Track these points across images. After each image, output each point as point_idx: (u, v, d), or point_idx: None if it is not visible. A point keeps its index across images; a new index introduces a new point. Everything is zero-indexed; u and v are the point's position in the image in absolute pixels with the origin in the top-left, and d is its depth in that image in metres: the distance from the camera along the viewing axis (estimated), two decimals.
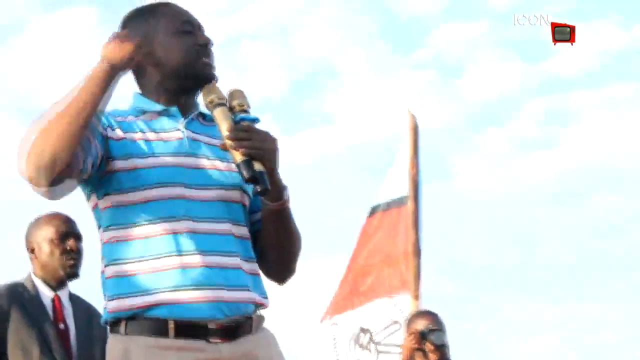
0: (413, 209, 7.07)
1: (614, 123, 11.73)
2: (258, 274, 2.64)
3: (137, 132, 2.60)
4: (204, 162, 2.61)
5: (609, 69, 11.77)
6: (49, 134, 2.38)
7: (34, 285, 4.49)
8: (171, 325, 2.49)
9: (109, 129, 2.57)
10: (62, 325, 4.47)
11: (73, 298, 4.58)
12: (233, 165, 2.56)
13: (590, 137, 11.73)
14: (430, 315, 5.49)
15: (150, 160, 2.55)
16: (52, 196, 2.45)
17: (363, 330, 6.96)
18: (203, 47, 2.66)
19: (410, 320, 5.57)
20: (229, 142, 2.51)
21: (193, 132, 2.65)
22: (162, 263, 2.50)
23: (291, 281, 2.74)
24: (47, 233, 4.48)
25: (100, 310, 2.63)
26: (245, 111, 2.58)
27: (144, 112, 2.65)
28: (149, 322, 2.50)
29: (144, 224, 2.53)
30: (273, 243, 2.66)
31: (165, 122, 2.64)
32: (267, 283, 2.69)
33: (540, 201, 11.78)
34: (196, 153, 2.61)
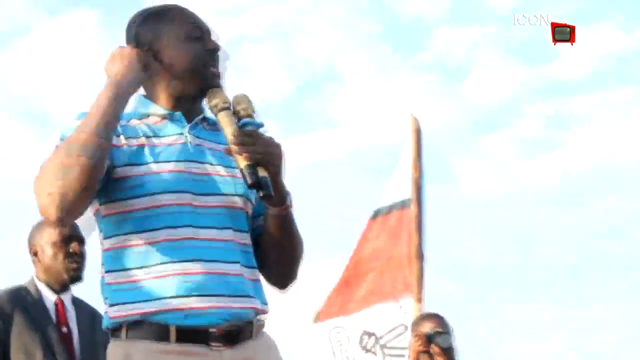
0: (416, 212, 7.07)
1: (617, 126, 11.73)
2: (259, 282, 2.64)
3: (140, 137, 2.59)
4: (208, 169, 2.59)
5: (611, 72, 11.77)
6: (65, 175, 2.38)
7: (37, 289, 4.49)
8: (172, 330, 2.48)
9: (113, 138, 2.54)
10: (65, 329, 4.47)
11: (76, 301, 4.58)
12: (237, 172, 2.55)
13: (593, 139, 11.73)
14: (436, 317, 5.47)
15: (154, 167, 2.54)
16: (64, 224, 2.48)
17: (367, 334, 6.95)
18: (211, 54, 2.65)
19: (417, 323, 5.55)
20: (233, 147, 2.50)
21: (197, 137, 2.63)
22: (164, 271, 2.49)
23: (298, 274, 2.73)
24: (50, 236, 4.48)
25: (102, 313, 2.63)
26: (250, 116, 2.57)
27: (147, 115, 2.64)
28: (151, 327, 2.49)
29: (147, 232, 2.51)
30: (275, 248, 2.65)
31: (169, 126, 2.63)
32: (268, 287, 2.70)
33: (543, 203, 11.78)
34: (200, 159, 2.59)
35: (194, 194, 2.54)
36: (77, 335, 4.49)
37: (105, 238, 2.57)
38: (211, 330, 2.50)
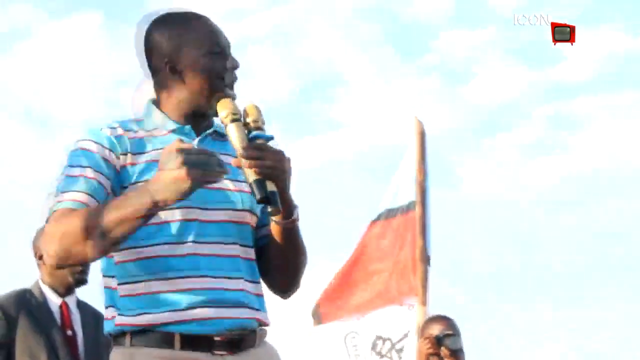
0: (420, 215, 7.06)
1: (619, 128, 11.73)
2: (262, 297, 2.65)
3: (149, 151, 2.57)
4: (216, 183, 2.60)
5: (614, 75, 11.78)
6: (79, 246, 2.40)
7: (42, 292, 4.50)
8: (177, 337, 2.49)
9: (121, 157, 2.54)
10: (69, 332, 4.48)
11: (80, 304, 4.59)
12: (244, 186, 2.55)
13: (595, 141, 11.73)
14: (445, 320, 5.46)
15: None
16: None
17: (381, 339, 6.93)
18: (230, 72, 2.62)
19: (425, 325, 5.54)
20: (242, 161, 2.48)
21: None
22: (170, 284, 2.50)
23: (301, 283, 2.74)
24: None
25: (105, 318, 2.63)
26: (260, 128, 2.54)
27: (156, 128, 2.62)
28: (155, 335, 2.50)
29: (153, 245, 2.52)
30: (279, 259, 2.66)
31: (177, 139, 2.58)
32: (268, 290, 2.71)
33: (545, 205, 11.79)
34: None
35: (201, 208, 2.54)
36: (81, 338, 4.50)
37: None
38: (215, 337, 2.51)
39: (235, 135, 2.51)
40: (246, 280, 2.58)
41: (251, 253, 2.63)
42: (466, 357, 5.38)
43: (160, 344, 2.50)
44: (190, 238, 2.52)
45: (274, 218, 2.58)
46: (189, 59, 2.59)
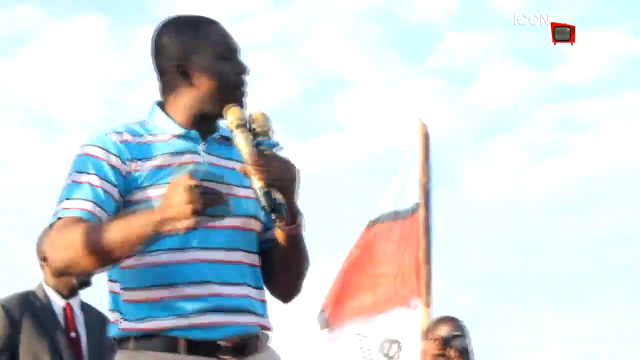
0: (424, 216, 7.06)
1: (624, 130, 11.72)
2: (266, 303, 2.65)
3: (155, 156, 2.55)
4: (223, 189, 2.57)
5: (619, 76, 11.76)
6: (83, 259, 2.42)
7: (46, 294, 4.51)
8: (182, 342, 2.50)
9: (128, 163, 2.53)
10: (73, 334, 4.49)
11: (84, 306, 4.59)
12: (250, 192, 2.53)
13: (600, 144, 11.72)
14: (453, 320, 5.45)
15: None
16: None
17: (389, 341, 6.92)
18: (240, 77, 2.62)
19: (433, 326, 5.53)
20: (249, 169, 2.47)
21: (211, 155, 2.59)
22: (174, 291, 2.50)
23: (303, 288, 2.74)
24: None
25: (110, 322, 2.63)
26: (267, 135, 2.53)
27: (161, 131, 2.61)
28: (160, 339, 2.51)
29: (158, 252, 2.51)
30: (282, 264, 2.66)
31: (183, 145, 2.59)
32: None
33: (548, 208, 11.78)
34: (214, 179, 2.54)
35: (207, 215, 2.54)
36: (85, 340, 4.50)
37: None
38: (221, 343, 2.51)
39: (242, 143, 2.50)
40: (250, 287, 2.58)
41: (255, 259, 2.63)
42: None
43: (165, 349, 2.50)
44: (195, 245, 2.52)
45: (278, 225, 2.58)
46: (200, 62, 2.58)
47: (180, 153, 2.57)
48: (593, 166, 11.70)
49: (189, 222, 2.32)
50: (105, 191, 2.50)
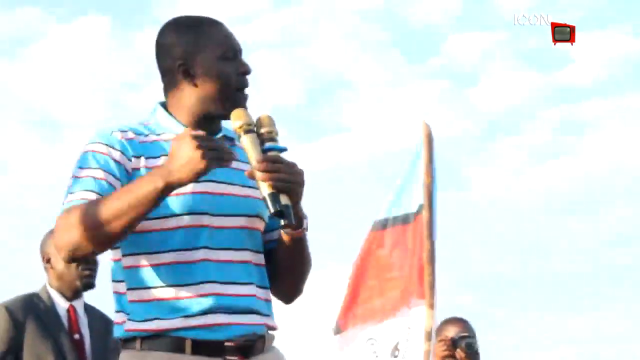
0: (427, 218, 7.06)
1: (628, 132, 11.71)
2: (271, 302, 2.66)
3: (160, 156, 2.55)
4: (227, 189, 2.57)
5: (622, 77, 11.75)
6: (88, 233, 2.41)
7: (49, 296, 4.51)
8: (188, 342, 2.50)
9: (133, 160, 2.54)
10: (77, 336, 4.49)
11: (88, 308, 4.59)
12: (254, 192, 2.54)
13: (604, 145, 11.71)
14: (461, 322, 5.44)
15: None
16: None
17: (398, 344, 6.91)
18: (243, 77, 2.62)
19: (441, 327, 5.52)
20: (257, 173, 2.47)
21: None
22: (180, 290, 2.51)
23: (305, 289, 2.75)
24: None
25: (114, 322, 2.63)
26: (274, 139, 2.53)
27: (165, 131, 2.61)
28: (166, 340, 2.51)
29: (164, 252, 2.52)
30: (285, 266, 2.67)
31: None
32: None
33: (553, 210, 11.76)
34: (218, 179, 2.56)
35: (212, 214, 2.53)
36: (89, 342, 4.51)
37: (124, 255, 2.56)
38: (227, 343, 2.51)
39: (249, 147, 2.50)
40: (257, 286, 2.59)
41: (261, 259, 2.63)
42: None
43: (171, 349, 2.50)
44: (202, 245, 2.52)
45: (285, 230, 2.58)
46: (204, 63, 2.59)
47: None
48: (594, 167, 11.69)
49: (201, 165, 2.36)
50: (109, 183, 2.50)
